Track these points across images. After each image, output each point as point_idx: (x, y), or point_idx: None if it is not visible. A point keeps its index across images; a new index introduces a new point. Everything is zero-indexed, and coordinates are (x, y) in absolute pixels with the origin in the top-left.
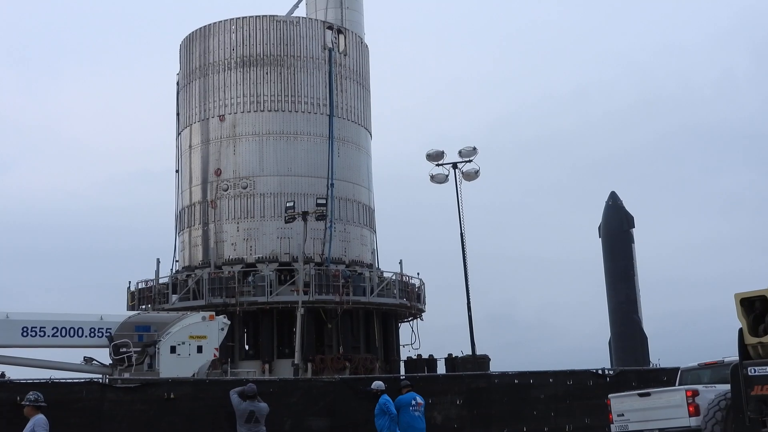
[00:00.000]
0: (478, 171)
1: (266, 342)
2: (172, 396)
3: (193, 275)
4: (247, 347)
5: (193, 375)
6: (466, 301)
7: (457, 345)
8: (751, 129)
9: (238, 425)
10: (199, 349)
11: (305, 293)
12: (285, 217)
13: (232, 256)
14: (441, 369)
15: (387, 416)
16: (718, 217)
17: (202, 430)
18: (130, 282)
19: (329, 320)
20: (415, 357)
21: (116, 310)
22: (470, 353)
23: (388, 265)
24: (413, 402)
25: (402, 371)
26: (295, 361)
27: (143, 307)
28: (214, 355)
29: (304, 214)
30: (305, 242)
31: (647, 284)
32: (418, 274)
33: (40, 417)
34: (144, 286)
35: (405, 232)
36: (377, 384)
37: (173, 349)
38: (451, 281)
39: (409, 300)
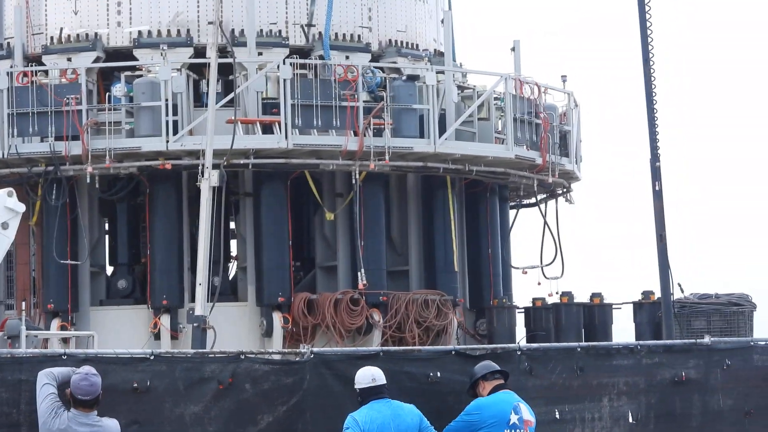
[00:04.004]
0: None
1: (165, 251)
2: None
3: None
4: (110, 268)
5: None
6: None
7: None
8: None
9: None
10: None
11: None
12: None
13: (69, 32)
14: (623, 332)
15: None
16: None
17: None
18: None
19: (329, 201)
20: (552, 296)
21: None
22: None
23: (481, 59)
24: (512, 417)
25: (518, 337)
26: (199, 312)
27: None
28: None
29: None
30: None
31: None
32: (564, 80)
33: None
34: None
35: None
36: (366, 375)
37: None
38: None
39: (540, 149)
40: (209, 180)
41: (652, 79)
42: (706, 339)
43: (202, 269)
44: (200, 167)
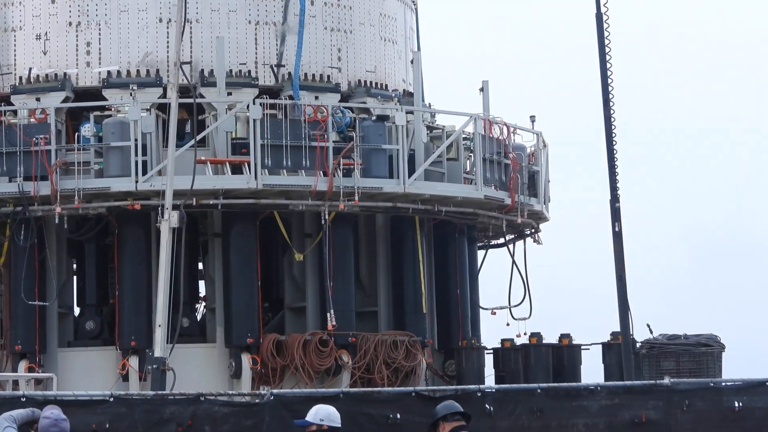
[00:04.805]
0: None
1: (133, 291)
2: None
3: None
4: (78, 309)
5: None
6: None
7: (640, 313)
8: None
9: None
10: None
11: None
12: None
13: (38, 72)
14: (592, 373)
15: None
16: None
17: None
18: None
19: (298, 241)
20: (520, 337)
21: None
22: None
23: (450, 99)
24: None
25: (487, 378)
26: (159, 353)
27: None
28: None
29: None
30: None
31: None
32: (532, 120)
33: None
34: None
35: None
36: (319, 413)
37: None
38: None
39: (509, 189)
40: (169, 221)
41: (612, 120)
42: (666, 380)
43: (161, 310)
44: (159, 208)
